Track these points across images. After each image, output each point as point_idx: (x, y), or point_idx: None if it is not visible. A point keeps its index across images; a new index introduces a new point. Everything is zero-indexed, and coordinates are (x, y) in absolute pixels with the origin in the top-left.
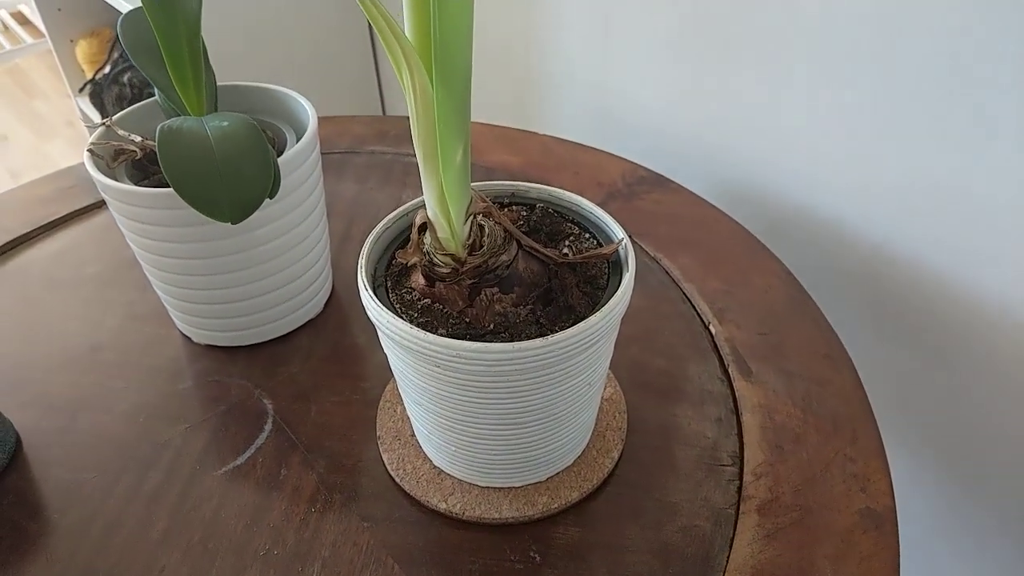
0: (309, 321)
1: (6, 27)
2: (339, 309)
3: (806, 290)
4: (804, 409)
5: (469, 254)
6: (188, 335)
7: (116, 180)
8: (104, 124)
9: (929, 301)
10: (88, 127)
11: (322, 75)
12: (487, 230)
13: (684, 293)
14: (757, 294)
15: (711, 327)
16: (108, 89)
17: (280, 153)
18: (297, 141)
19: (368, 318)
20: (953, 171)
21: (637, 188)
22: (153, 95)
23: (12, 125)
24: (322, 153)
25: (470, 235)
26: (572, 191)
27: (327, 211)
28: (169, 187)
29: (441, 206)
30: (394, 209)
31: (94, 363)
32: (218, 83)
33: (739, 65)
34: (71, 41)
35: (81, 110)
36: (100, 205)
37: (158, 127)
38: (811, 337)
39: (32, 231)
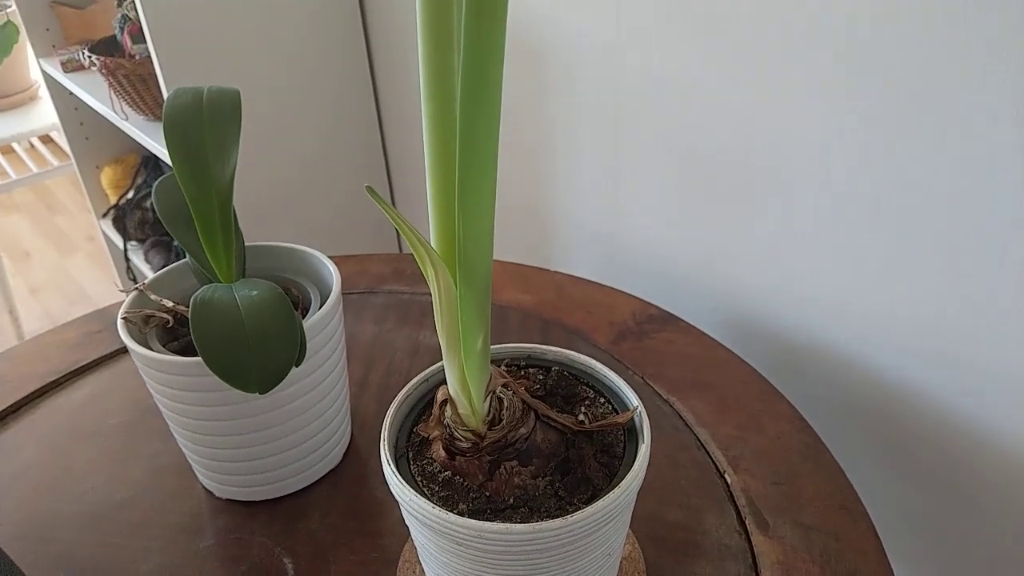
0: (329, 472)
1: (32, 147)
2: (358, 460)
3: (819, 436)
4: (823, 566)
5: (489, 429)
6: (210, 489)
7: (148, 344)
8: (137, 289)
9: (944, 438)
10: (121, 291)
11: (341, 213)
12: (506, 403)
13: (698, 439)
14: (770, 441)
15: (726, 476)
16: (131, 214)
17: (305, 312)
18: (321, 299)
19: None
20: (963, 306)
21: (648, 327)
22: None
23: (35, 241)
24: (342, 293)
25: (490, 410)
26: (585, 330)
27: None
28: (198, 355)
29: (462, 386)
30: (412, 352)
31: (119, 522)
32: (246, 243)
33: (742, 203)
34: (97, 167)
35: (103, 232)
36: (126, 350)
37: (192, 299)
38: (826, 488)
39: (60, 378)
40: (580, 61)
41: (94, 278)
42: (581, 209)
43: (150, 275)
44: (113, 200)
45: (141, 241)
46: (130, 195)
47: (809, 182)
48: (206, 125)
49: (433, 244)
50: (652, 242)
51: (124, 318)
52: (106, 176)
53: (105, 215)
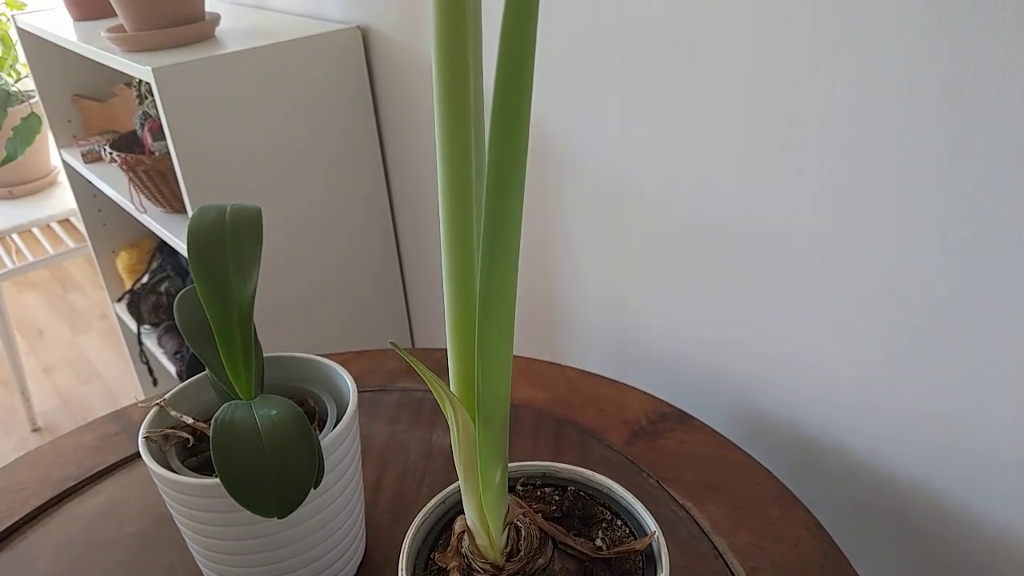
0: None
1: (49, 227)
2: (372, 572)
3: (836, 543)
4: None
5: (507, 560)
6: None
7: (167, 460)
8: (158, 404)
9: (962, 538)
10: (141, 405)
11: (354, 305)
12: (523, 532)
13: (715, 547)
14: (788, 550)
15: None
16: (145, 298)
17: (322, 423)
18: (337, 410)
19: None
20: (980, 405)
21: (661, 426)
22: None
23: (48, 320)
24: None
25: (507, 541)
26: (598, 430)
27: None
28: (216, 473)
29: (480, 518)
30: (425, 453)
31: None
32: (264, 350)
33: (750, 298)
34: (113, 252)
35: (117, 314)
36: None
37: (213, 421)
38: None
39: (76, 484)
40: (584, 155)
41: (106, 356)
42: (589, 301)
43: (163, 359)
44: (128, 284)
45: (155, 325)
46: (145, 279)
47: (816, 279)
48: (229, 244)
49: (452, 384)
50: (661, 334)
51: (146, 437)
52: (122, 260)
53: (120, 299)
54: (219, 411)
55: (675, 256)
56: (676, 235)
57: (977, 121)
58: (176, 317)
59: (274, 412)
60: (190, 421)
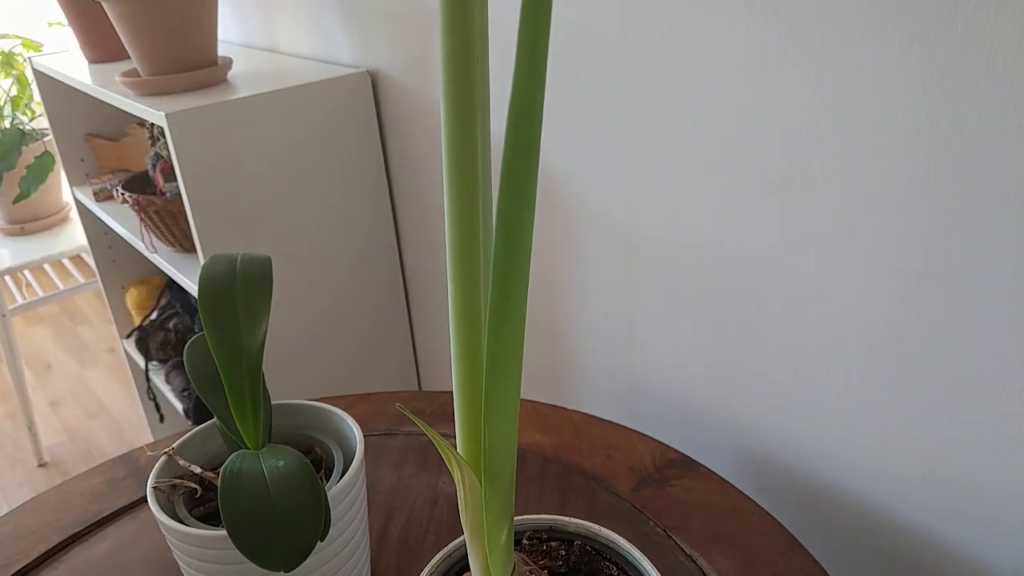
0: None
1: (59, 263)
2: None
3: None
4: None
5: None
6: None
7: (175, 510)
8: (166, 453)
9: None
10: (150, 454)
11: (360, 345)
12: None
13: None
14: None
15: None
16: (154, 334)
17: (328, 472)
18: (344, 458)
19: None
20: (987, 457)
21: (668, 472)
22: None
23: (56, 354)
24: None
25: None
26: (605, 477)
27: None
28: (223, 523)
29: None
30: (431, 501)
31: None
32: (271, 397)
33: (756, 347)
34: (122, 288)
35: (125, 350)
36: None
37: (221, 472)
38: None
39: (83, 529)
40: (591, 196)
41: (113, 390)
42: (596, 339)
43: (170, 395)
44: (137, 320)
45: (163, 361)
46: (153, 316)
47: (824, 322)
48: (239, 294)
49: (458, 443)
50: (668, 373)
51: (155, 487)
52: (131, 296)
53: (128, 336)
54: (227, 462)
55: (682, 296)
56: (683, 276)
57: (967, 182)
58: (186, 365)
59: (282, 463)
60: (198, 471)
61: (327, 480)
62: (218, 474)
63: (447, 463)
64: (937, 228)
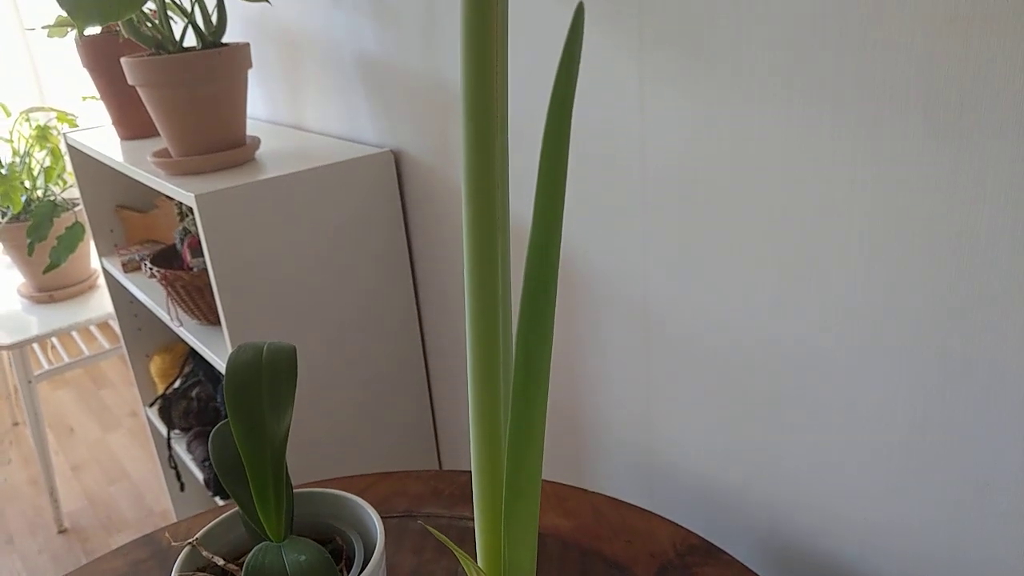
0: None
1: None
2: None
3: None
4: None
5: None
6: None
7: None
8: (190, 544)
9: None
10: (175, 544)
11: (381, 424)
12: None
13: None
14: None
15: None
16: (176, 403)
17: (349, 563)
18: (364, 549)
19: None
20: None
21: (689, 559)
22: (218, 407)
23: (79, 417)
24: (381, 517)
25: None
26: (626, 563)
27: None
28: None
29: None
30: None
31: None
32: (294, 484)
33: (776, 426)
34: (147, 356)
35: (148, 418)
36: None
37: (244, 566)
38: None
39: None
40: (609, 279)
41: (134, 455)
42: (615, 420)
43: (191, 465)
44: (160, 388)
45: (185, 430)
46: (176, 384)
47: (843, 405)
48: (265, 384)
49: (479, 554)
50: (688, 454)
51: None
52: (155, 364)
53: (152, 404)
54: (250, 555)
55: (702, 377)
56: (702, 358)
57: (992, 271)
58: (210, 452)
59: (303, 559)
60: (221, 563)
61: (348, 572)
62: (240, 566)
63: (467, 573)
64: (958, 314)
